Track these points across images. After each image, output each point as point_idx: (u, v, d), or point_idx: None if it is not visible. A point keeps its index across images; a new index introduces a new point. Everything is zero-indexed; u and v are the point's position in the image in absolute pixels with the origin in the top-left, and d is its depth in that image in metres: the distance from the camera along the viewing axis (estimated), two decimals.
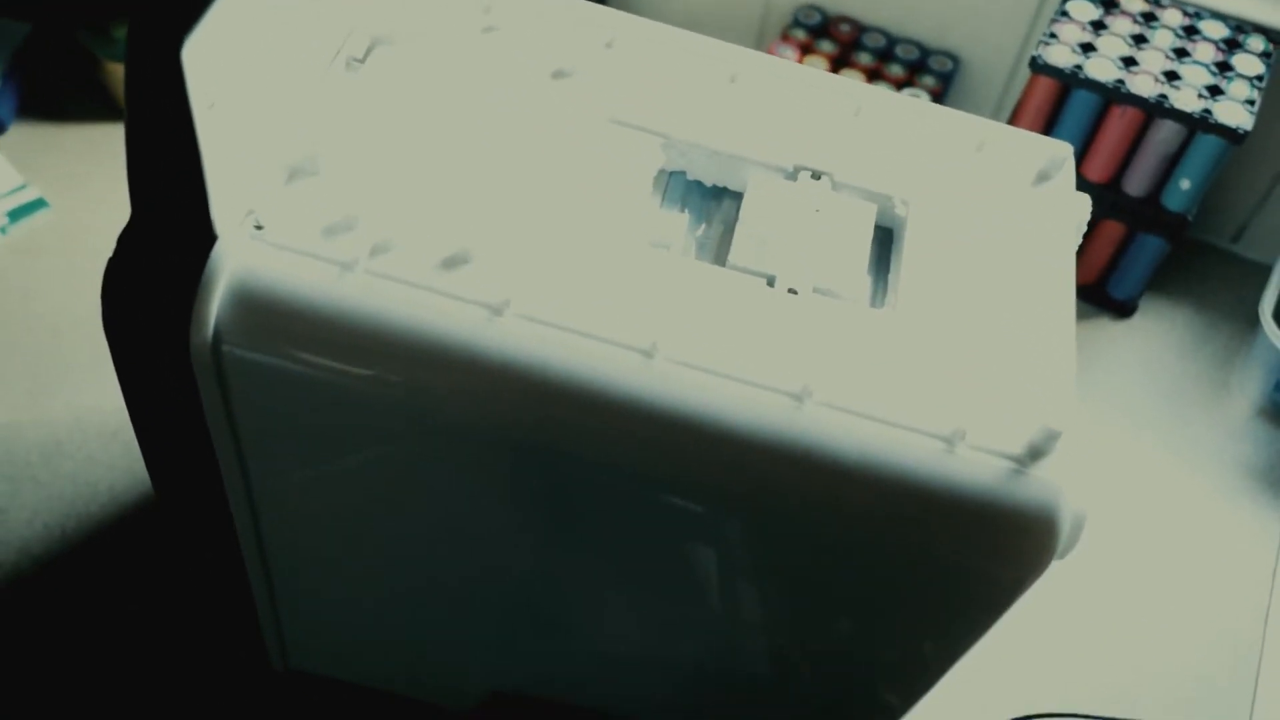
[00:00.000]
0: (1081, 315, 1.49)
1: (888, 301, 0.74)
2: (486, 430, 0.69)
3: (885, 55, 1.55)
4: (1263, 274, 1.41)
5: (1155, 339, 1.47)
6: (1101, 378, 1.42)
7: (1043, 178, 0.80)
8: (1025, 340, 0.72)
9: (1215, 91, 1.30)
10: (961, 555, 0.68)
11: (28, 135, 1.47)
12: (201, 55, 0.60)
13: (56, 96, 1.52)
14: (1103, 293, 1.51)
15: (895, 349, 0.70)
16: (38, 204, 1.39)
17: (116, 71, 1.48)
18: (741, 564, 0.76)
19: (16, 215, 1.37)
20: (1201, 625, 1.22)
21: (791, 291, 0.72)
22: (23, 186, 1.40)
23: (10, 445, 1.19)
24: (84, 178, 1.43)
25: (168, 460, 0.82)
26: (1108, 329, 1.48)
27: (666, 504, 0.72)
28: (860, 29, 1.57)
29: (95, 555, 1.14)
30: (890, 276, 0.75)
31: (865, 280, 0.75)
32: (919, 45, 1.56)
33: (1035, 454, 0.67)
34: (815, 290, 0.72)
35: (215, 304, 0.66)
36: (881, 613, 0.76)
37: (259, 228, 0.68)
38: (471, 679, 0.99)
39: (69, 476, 1.18)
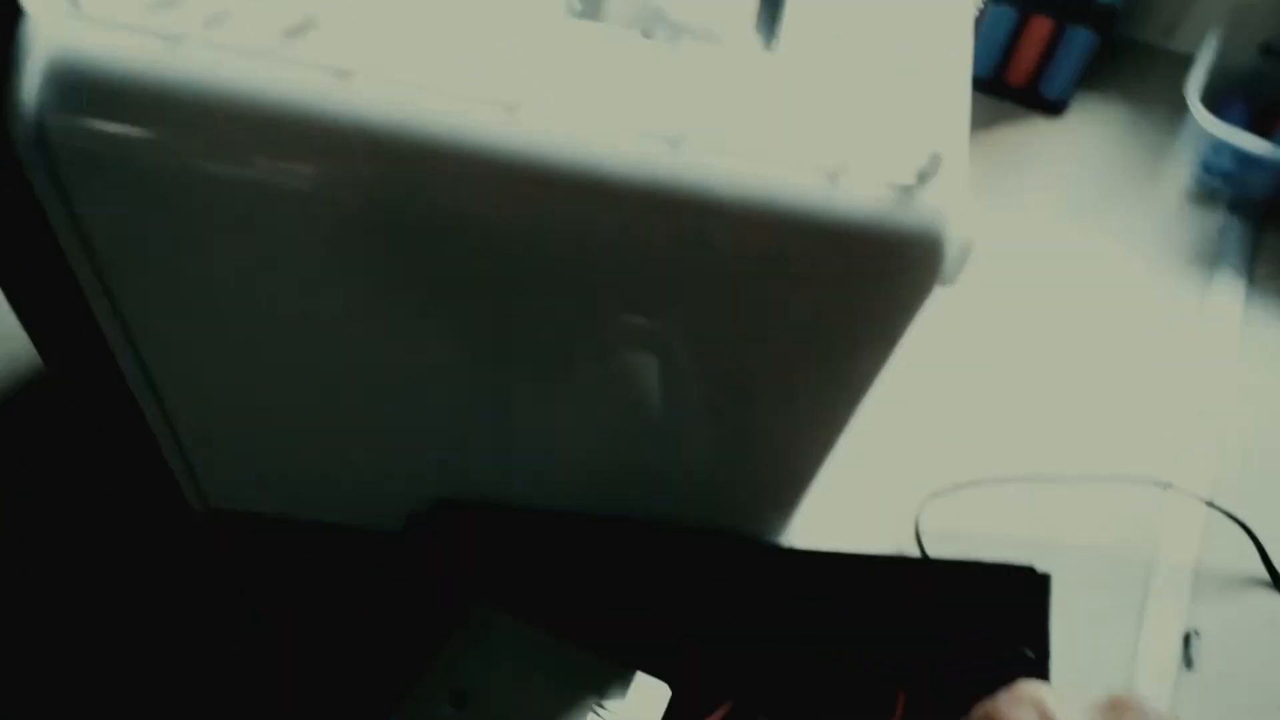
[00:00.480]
0: (1014, 116, 1.46)
1: (773, 44, 0.70)
2: (347, 203, 0.65)
3: None
4: (1192, 66, 1.38)
5: (1087, 135, 1.44)
6: (1037, 176, 1.40)
7: None
8: (915, 76, 0.69)
9: None
10: (848, 283, 0.66)
11: None
12: None
13: None
14: (1034, 93, 1.47)
15: (781, 91, 0.66)
16: None
17: None
18: (630, 325, 0.73)
19: None
20: (1127, 391, 1.22)
21: (671, 37, 0.68)
22: None
23: None
24: None
25: (28, 288, 0.78)
26: (1040, 128, 1.46)
27: (545, 266, 0.68)
28: None
29: None
30: (777, 18, 0.71)
31: (750, 22, 0.71)
32: None
33: (921, 178, 0.63)
34: (697, 34, 0.68)
35: (33, 87, 0.61)
36: (777, 356, 0.73)
37: (74, 3, 0.64)
38: (395, 495, 0.96)
39: None
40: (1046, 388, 1.21)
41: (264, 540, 1.02)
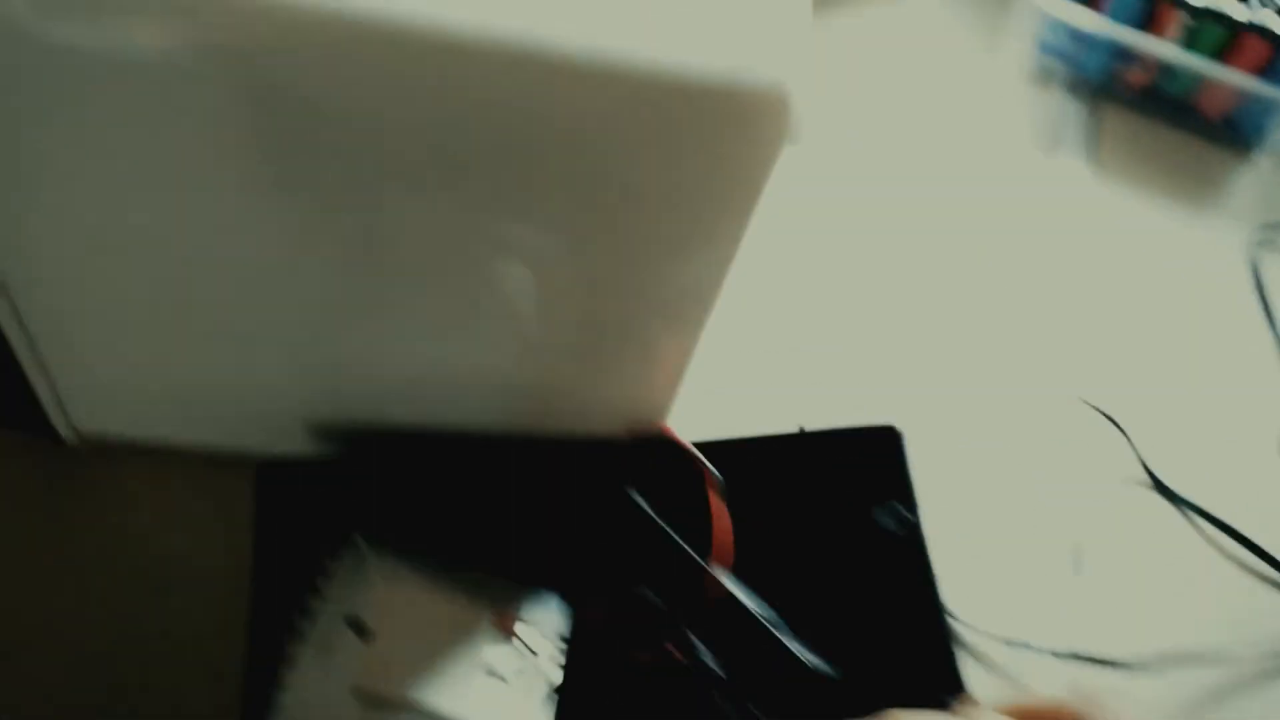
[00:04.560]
0: (846, 5, 1.48)
1: None
2: (196, 74, 0.64)
3: None
4: None
5: (923, 16, 1.46)
6: (865, 62, 1.41)
7: None
8: None
9: None
10: (697, 140, 0.66)
11: None
12: None
13: None
14: None
15: None
16: None
17: None
18: (485, 203, 0.73)
19: None
20: (987, 287, 1.26)
21: None
22: None
23: None
24: None
25: None
26: (877, 9, 1.46)
27: (392, 133, 0.68)
28: None
29: None
30: None
31: None
32: None
33: (761, 41, 0.65)
34: None
35: None
36: (632, 232, 0.74)
37: None
38: (268, 415, 0.96)
39: None
40: (910, 283, 1.24)
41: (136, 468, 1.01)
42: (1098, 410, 1.16)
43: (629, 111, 0.65)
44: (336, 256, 0.79)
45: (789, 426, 1.03)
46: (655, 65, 0.64)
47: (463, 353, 0.88)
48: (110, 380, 0.93)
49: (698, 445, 0.98)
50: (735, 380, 1.09)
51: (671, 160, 0.68)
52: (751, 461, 0.98)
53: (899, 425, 1.03)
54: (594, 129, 0.67)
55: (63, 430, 0.97)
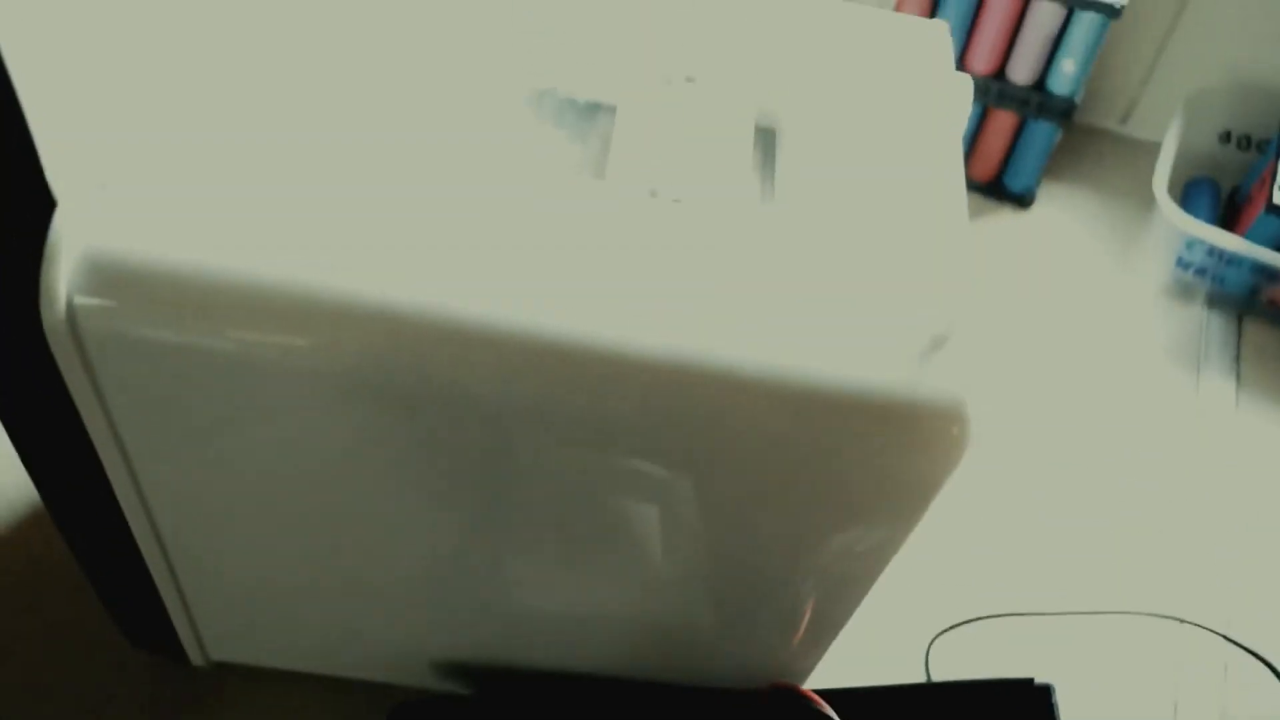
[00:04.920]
0: (982, 210, 1.48)
1: (774, 202, 0.71)
2: (367, 381, 0.66)
3: None
4: (1154, 152, 1.41)
5: (1056, 228, 1.47)
6: (1007, 271, 1.41)
7: (920, 59, 0.78)
8: (917, 228, 0.70)
9: None
10: (872, 456, 0.65)
11: None
12: None
13: None
14: (1000, 187, 1.50)
15: (783, 250, 0.68)
16: None
17: None
18: (648, 500, 0.73)
19: None
20: (1125, 505, 1.22)
21: (675, 201, 0.69)
22: None
23: None
24: None
25: (44, 453, 0.78)
26: (1009, 222, 1.48)
27: (563, 440, 0.68)
28: None
29: None
30: (775, 176, 0.73)
31: (750, 181, 0.72)
32: None
33: (936, 343, 0.64)
34: (698, 197, 0.69)
35: (64, 275, 0.62)
36: (800, 527, 0.73)
37: (103, 186, 0.64)
38: (398, 652, 0.96)
39: None
40: (1042, 510, 1.21)
41: (265, 694, 1.01)
42: (1247, 650, 1.12)
43: (805, 428, 0.65)
44: (484, 528, 0.79)
45: (915, 672, 1.00)
46: (833, 383, 0.63)
47: (602, 601, 0.87)
48: (245, 615, 0.94)
49: (822, 693, 0.95)
50: (871, 630, 1.07)
51: (844, 470, 0.67)
52: (879, 715, 0.95)
53: (1046, 679, 0.99)
54: (768, 442, 0.66)
55: (194, 657, 0.98)
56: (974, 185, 1.50)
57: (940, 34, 0.79)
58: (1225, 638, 1.12)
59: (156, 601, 0.90)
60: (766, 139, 0.75)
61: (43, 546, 1.10)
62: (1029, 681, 0.98)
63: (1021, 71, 1.37)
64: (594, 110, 0.76)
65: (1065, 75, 1.35)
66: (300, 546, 0.83)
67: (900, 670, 1.03)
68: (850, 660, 0.97)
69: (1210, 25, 1.43)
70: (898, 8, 1.37)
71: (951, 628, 1.09)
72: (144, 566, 0.85)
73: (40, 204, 0.62)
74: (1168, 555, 1.18)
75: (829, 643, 0.87)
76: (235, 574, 0.87)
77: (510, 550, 0.82)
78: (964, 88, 0.77)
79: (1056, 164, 1.50)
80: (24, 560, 1.09)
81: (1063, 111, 1.39)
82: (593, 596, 0.86)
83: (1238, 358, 1.34)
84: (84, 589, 1.00)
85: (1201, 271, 1.36)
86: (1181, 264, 1.36)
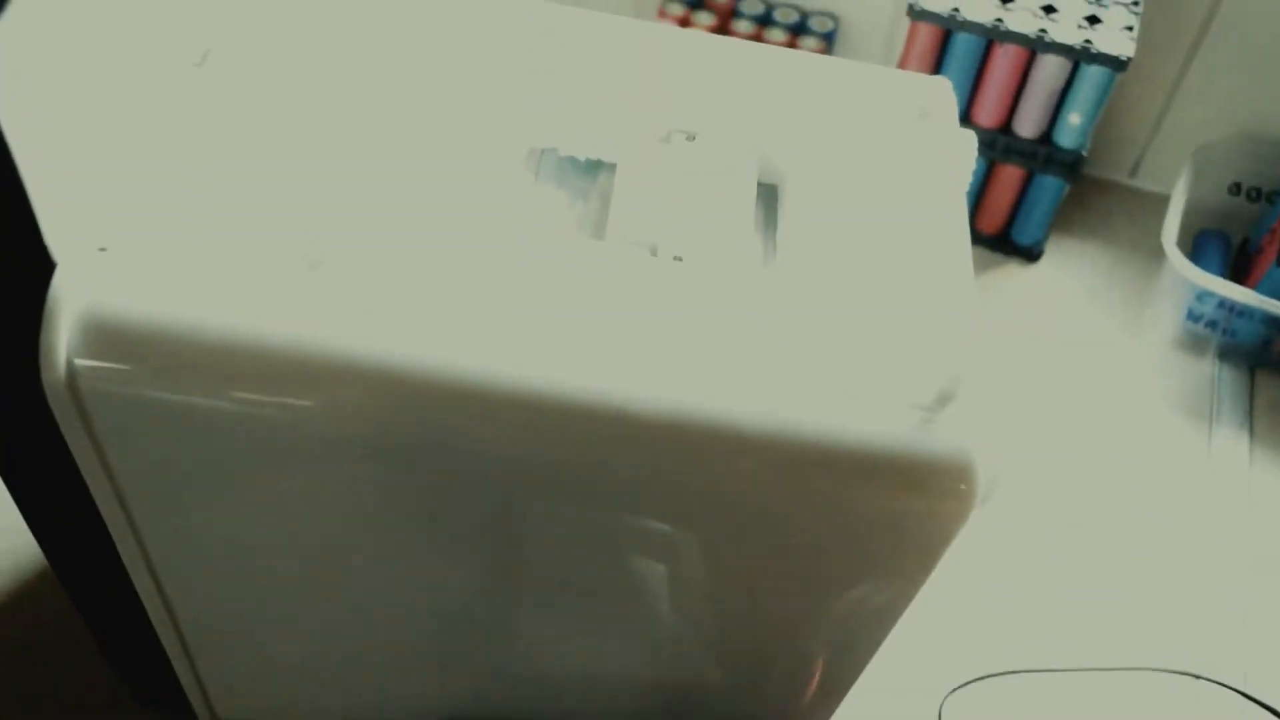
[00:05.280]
0: (989, 264, 1.48)
1: (777, 259, 0.71)
2: (369, 437, 0.65)
3: (765, 21, 1.53)
4: (1163, 204, 1.41)
5: (1064, 281, 1.46)
6: (1015, 325, 1.41)
7: (923, 116, 0.78)
8: (923, 285, 0.70)
9: (1094, 21, 1.29)
10: (881, 513, 0.65)
11: None
12: (4, 58, 0.55)
13: None
14: (1008, 240, 1.50)
15: (788, 308, 0.67)
16: None
17: None
18: (655, 558, 0.73)
19: None
20: (1138, 559, 1.21)
21: (676, 259, 0.69)
22: None
23: None
24: None
25: (49, 515, 0.78)
26: (1016, 276, 1.47)
27: (567, 499, 0.68)
28: None
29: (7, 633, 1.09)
30: (778, 233, 0.73)
31: (753, 240, 0.72)
32: (798, 8, 1.53)
33: (943, 400, 0.64)
34: (701, 255, 0.69)
35: (63, 337, 0.62)
36: (810, 584, 0.73)
37: (101, 249, 0.64)
38: (419, 707, 0.95)
39: None
40: (1054, 565, 1.20)
41: None
42: (1265, 706, 1.10)
43: (812, 485, 0.64)
44: (489, 584, 0.78)
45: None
46: (840, 440, 0.63)
47: (610, 658, 0.86)
48: (252, 673, 0.93)
49: None
50: (884, 688, 1.06)
51: (852, 526, 0.67)
52: None
53: None
54: (775, 499, 0.66)
55: (202, 715, 0.97)
56: (981, 239, 1.50)
57: (944, 90, 0.79)
58: (1240, 693, 1.11)
59: (163, 660, 0.89)
60: (769, 195, 0.75)
61: (49, 606, 1.09)
62: None
63: (1028, 125, 1.37)
64: (594, 168, 0.76)
65: (1072, 128, 1.35)
66: (306, 604, 0.83)
67: None
68: (862, 718, 0.96)
69: (1218, 77, 1.43)
70: (902, 62, 1.38)
71: (965, 684, 1.08)
72: (149, 625, 0.84)
73: (39, 266, 0.62)
74: (1182, 611, 1.17)
75: (840, 700, 0.86)
76: (241, 631, 0.87)
77: (518, 608, 0.81)
78: (968, 144, 0.77)
79: (1064, 216, 1.50)
80: (31, 619, 1.09)
81: (1070, 165, 1.38)
82: (601, 653, 0.86)
83: (1250, 411, 1.33)
84: (90, 648, 1.00)
85: (1212, 324, 1.35)
86: (1192, 317, 1.35)
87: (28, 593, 1.11)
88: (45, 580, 1.11)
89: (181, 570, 0.78)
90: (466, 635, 0.84)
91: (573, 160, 0.76)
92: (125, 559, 0.76)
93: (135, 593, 0.80)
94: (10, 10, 0.56)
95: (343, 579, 0.79)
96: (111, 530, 0.74)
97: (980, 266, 1.46)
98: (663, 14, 1.53)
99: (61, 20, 0.60)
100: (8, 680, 1.05)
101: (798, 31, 1.52)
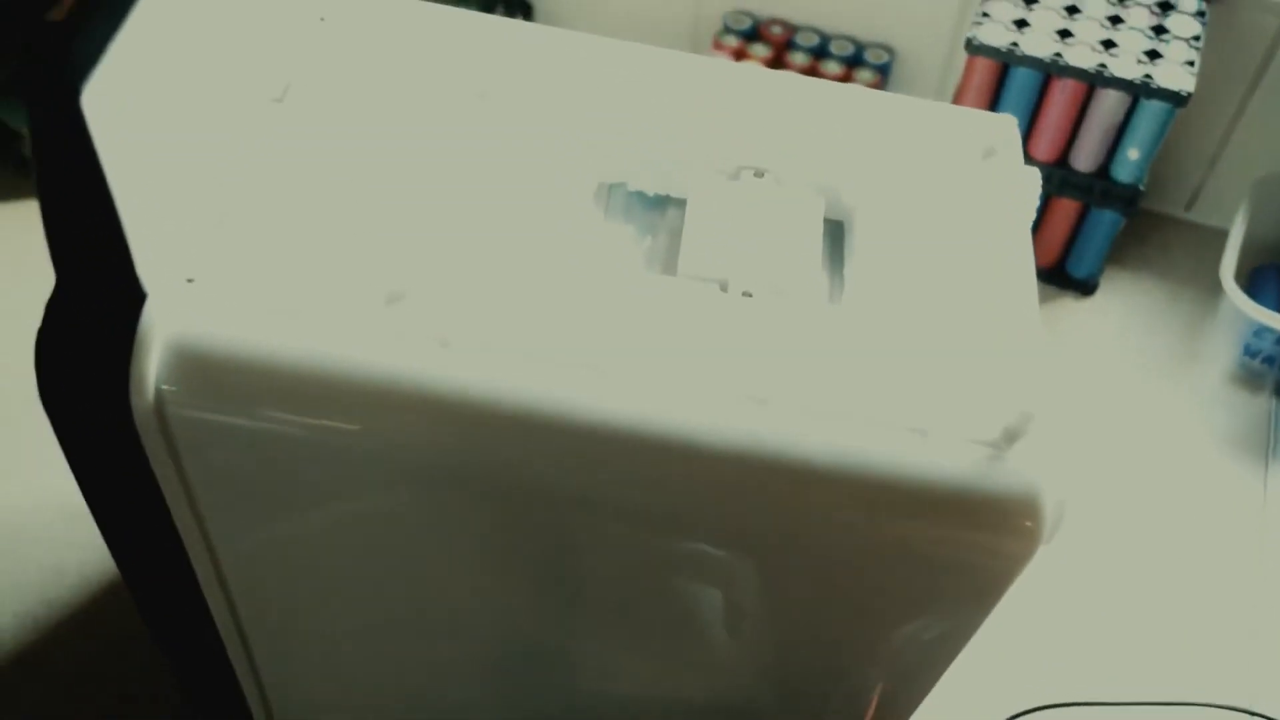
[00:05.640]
0: (1044, 297, 1.49)
1: (844, 296, 0.72)
2: (446, 470, 0.67)
3: (820, 53, 1.55)
4: (1220, 239, 1.41)
5: (1120, 315, 1.47)
6: (1070, 359, 1.41)
7: (989, 154, 0.79)
8: (989, 322, 0.71)
9: (1154, 55, 1.30)
10: (944, 549, 0.66)
11: None
12: (104, 101, 0.57)
13: None
14: (1063, 273, 1.50)
15: (857, 344, 0.69)
16: None
17: None
18: (720, 586, 0.74)
19: None
20: (1194, 597, 1.21)
21: (746, 295, 0.70)
22: None
23: None
24: (12, 255, 1.41)
25: (126, 532, 0.80)
26: (1072, 309, 1.48)
27: (637, 529, 0.70)
28: (792, 29, 1.56)
29: (69, 640, 1.11)
30: (845, 269, 0.74)
31: (820, 276, 0.74)
32: (853, 40, 1.55)
33: (1010, 437, 0.65)
34: (769, 291, 0.71)
35: (153, 365, 0.64)
36: (873, 617, 0.74)
37: (190, 281, 0.66)
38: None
39: (35, 561, 1.16)
40: (1110, 598, 1.20)
41: None
42: None
43: (879, 519, 0.66)
44: (549, 603, 0.80)
45: None
46: (907, 476, 0.64)
47: (671, 683, 0.88)
48: (316, 689, 0.95)
49: None
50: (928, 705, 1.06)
51: (916, 561, 0.68)
52: None
53: None
54: (841, 532, 0.67)
55: None
56: (1036, 271, 1.50)
57: (1009, 127, 0.80)
58: None
59: (229, 675, 0.91)
60: (835, 231, 0.76)
61: (116, 622, 1.12)
62: None
63: (1085, 159, 1.38)
64: (661, 203, 0.77)
65: (1130, 163, 1.36)
66: (368, 620, 0.85)
67: None
68: None
69: (1277, 111, 1.44)
70: (958, 96, 1.39)
71: (1021, 714, 1.09)
72: (219, 641, 0.86)
73: (132, 297, 0.64)
74: (1237, 647, 1.17)
75: None
76: (305, 643, 0.89)
77: (578, 631, 0.83)
78: (1032, 182, 0.78)
79: (1120, 249, 1.50)
80: (99, 635, 1.12)
81: (1127, 199, 1.39)
82: (658, 676, 0.87)
83: None
84: (158, 664, 1.02)
85: (1270, 360, 1.35)
86: (1249, 352, 1.36)
87: (96, 608, 1.14)
88: (114, 595, 1.14)
89: (252, 584, 0.81)
90: (526, 655, 0.86)
91: (640, 195, 0.78)
92: (199, 574, 0.78)
93: (204, 605, 0.82)
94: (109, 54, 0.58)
95: (408, 599, 0.81)
96: (188, 546, 0.76)
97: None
98: (718, 45, 1.54)
99: (149, 59, 0.62)
100: (73, 682, 1.08)
101: (853, 64, 1.54)
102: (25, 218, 1.47)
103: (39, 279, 1.29)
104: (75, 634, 1.12)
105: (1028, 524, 0.64)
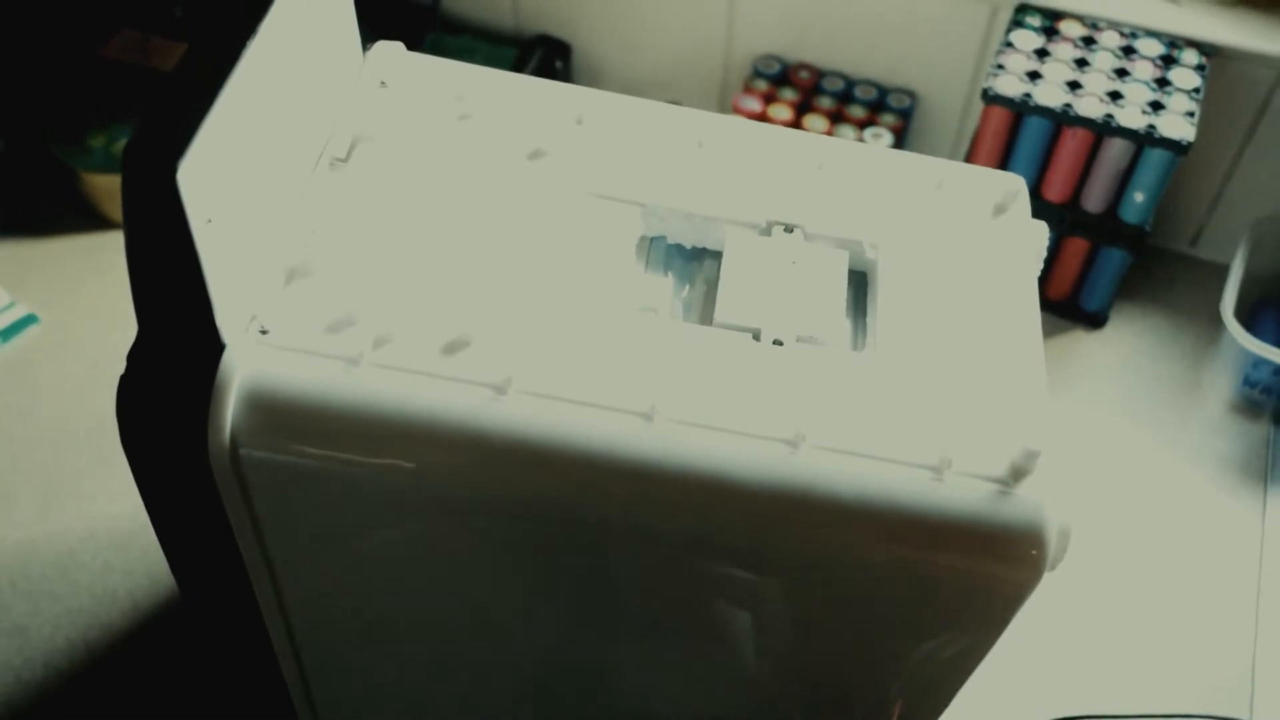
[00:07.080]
0: (1056, 329, 1.53)
1: (867, 344, 0.78)
2: (502, 506, 0.73)
3: (845, 97, 1.60)
4: (1222, 274, 1.46)
5: (1128, 346, 1.51)
6: (1080, 387, 1.46)
7: (999, 210, 0.84)
8: (998, 367, 0.76)
9: (1157, 106, 1.35)
10: (957, 577, 0.71)
11: (10, 252, 1.51)
12: (196, 176, 0.63)
13: (35, 211, 1.55)
14: (1075, 306, 1.55)
15: (878, 389, 0.74)
16: (28, 320, 1.42)
17: (94, 181, 1.50)
18: (752, 612, 0.79)
19: (8, 333, 1.40)
20: (1194, 617, 1.25)
21: (777, 343, 0.75)
22: (11, 304, 1.42)
23: (25, 561, 1.21)
24: (70, 289, 1.47)
25: (194, 565, 0.85)
26: (1082, 340, 1.52)
27: (678, 560, 0.75)
28: (819, 74, 1.61)
29: (121, 664, 1.15)
30: (867, 319, 0.79)
31: (844, 325, 0.79)
32: (877, 85, 1.60)
33: (1018, 474, 0.70)
34: (799, 339, 0.76)
35: (229, 409, 0.70)
36: (893, 638, 0.79)
37: (264, 332, 0.71)
38: None
39: (87, 587, 1.20)
40: (1114, 618, 1.25)
41: None
42: None
43: (898, 550, 0.71)
44: (595, 634, 0.86)
45: None
46: (922, 510, 0.70)
47: (698, 701, 0.93)
48: (361, 698, 1.00)
49: None
50: None
51: (931, 588, 0.73)
52: None
53: None
54: (862, 562, 0.72)
55: None
56: (1049, 304, 1.55)
57: (1017, 186, 0.85)
58: None
59: (281, 694, 0.97)
60: (859, 282, 0.82)
61: (166, 648, 1.17)
62: None
63: (1094, 201, 1.43)
64: (699, 255, 0.83)
65: (1136, 205, 1.41)
66: (419, 642, 0.90)
67: None
68: None
69: (1273, 156, 1.49)
70: (975, 141, 1.43)
71: None
72: (274, 662, 0.92)
73: (211, 348, 0.70)
74: (1235, 668, 1.22)
75: None
76: (363, 678, 0.94)
77: (613, 653, 0.88)
78: (1040, 234, 0.84)
79: (1128, 284, 1.55)
80: (150, 661, 1.16)
81: (1134, 238, 1.44)
82: (686, 694, 0.92)
83: None
84: (208, 687, 1.06)
85: (1268, 390, 1.40)
86: (1249, 383, 1.40)
87: (145, 630, 1.18)
88: (162, 617, 1.19)
89: (311, 612, 0.86)
90: (566, 675, 0.91)
91: (679, 247, 0.83)
92: (261, 602, 0.84)
93: (263, 629, 0.88)
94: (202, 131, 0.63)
95: (456, 626, 0.87)
96: (252, 577, 0.81)
97: (1048, 332, 1.51)
98: (748, 89, 1.59)
99: (234, 132, 0.68)
100: (123, 707, 1.13)
101: (877, 108, 1.59)
102: (83, 254, 1.52)
103: (99, 316, 1.34)
104: (126, 660, 1.16)
105: (1033, 553, 0.69)
